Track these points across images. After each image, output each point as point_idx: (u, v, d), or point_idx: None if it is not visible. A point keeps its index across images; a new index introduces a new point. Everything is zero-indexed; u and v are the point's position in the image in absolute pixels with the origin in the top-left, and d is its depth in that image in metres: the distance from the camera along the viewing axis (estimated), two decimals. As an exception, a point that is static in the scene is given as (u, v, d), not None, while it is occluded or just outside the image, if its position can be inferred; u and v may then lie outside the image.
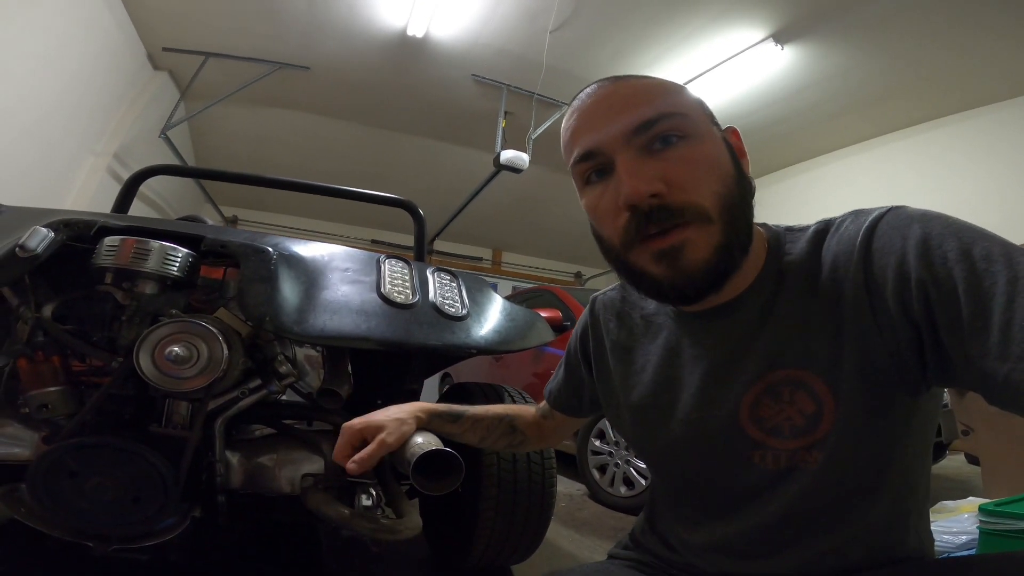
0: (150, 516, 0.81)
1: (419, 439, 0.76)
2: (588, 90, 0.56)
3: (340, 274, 1.07)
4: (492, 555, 1.34)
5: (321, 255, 1.09)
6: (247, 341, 0.90)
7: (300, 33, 4.43)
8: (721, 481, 0.55)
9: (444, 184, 6.44)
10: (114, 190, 2.02)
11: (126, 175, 2.45)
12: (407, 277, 1.15)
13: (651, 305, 0.65)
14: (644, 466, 2.32)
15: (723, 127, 0.57)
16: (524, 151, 4.54)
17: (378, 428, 0.64)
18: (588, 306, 0.74)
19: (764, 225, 0.58)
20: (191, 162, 5.99)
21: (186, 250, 0.92)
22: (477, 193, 5.78)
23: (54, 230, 0.86)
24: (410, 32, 4.25)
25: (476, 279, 1.34)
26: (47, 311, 0.87)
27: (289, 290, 0.93)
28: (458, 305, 1.16)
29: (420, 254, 2.10)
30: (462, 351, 1.09)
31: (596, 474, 2.62)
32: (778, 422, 0.50)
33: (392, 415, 0.67)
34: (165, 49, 4.61)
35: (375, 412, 0.68)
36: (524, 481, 1.28)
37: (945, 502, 1.77)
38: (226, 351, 0.82)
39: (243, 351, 0.89)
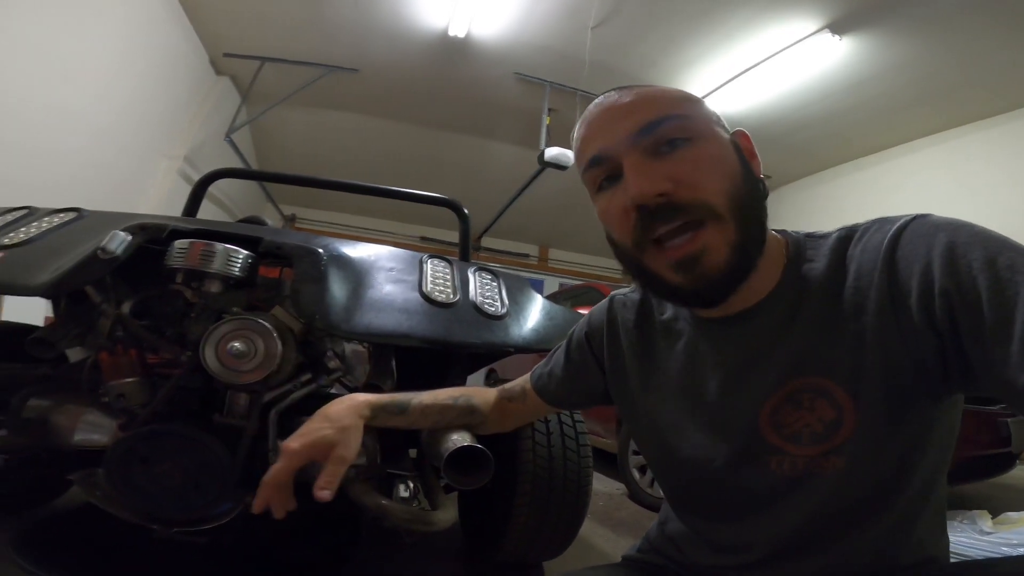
0: (209, 501, 0.86)
1: (454, 435, 0.80)
2: (596, 101, 0.58)
3: (385, 274, 1.12)
4: (524, 550, 1.36)
5: (367, 255, 1.14)
6: (299, 337, 0.96)
7: (348, 36, 4.59)
8: (736, 487, 0.55)
9: (490, 182, 6.51)
10: (185, 191, 2.17)
11: (195, 177, 2.63)
12: (448, 276, 1.19)
13: (670, 310, 0.65)
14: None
15: (732, 130, 0.57)
16: (569, 148, 4.53)
17: (329, 444, 0.63)
18: (606, 303, 0.74)
19: (784, 232, 0.58)
20: (253, 163, 6.30)
21: (246, 252, 0.99)
22: (523, 190, 5.82)
23: (131, 233, 0.94)
24: (452, 32, 4.33)
25: (517, 278, 1.36)
26: (126, 308, 0.96)
27: (338, 289, 0.99)
28: (498, 304, 1.18)
29: (465, 252, 2.14)
30: (500, 349, 1.12)
31: (636, 474, 2.60)
32: (797, 429, 0.51)
33: (337, 421, 0.66)
34: (226, 55, 4.88)
35: (316, 420, 0.66)
36: (559, 478, 1.29)
37: (1008, 513, 1.68)
38: (280, 347, 0.88)
39: (296, 347, 0.95)
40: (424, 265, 1.18)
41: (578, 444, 1.37)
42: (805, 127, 4.97)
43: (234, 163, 5.48)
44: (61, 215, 1.10)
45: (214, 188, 2.22)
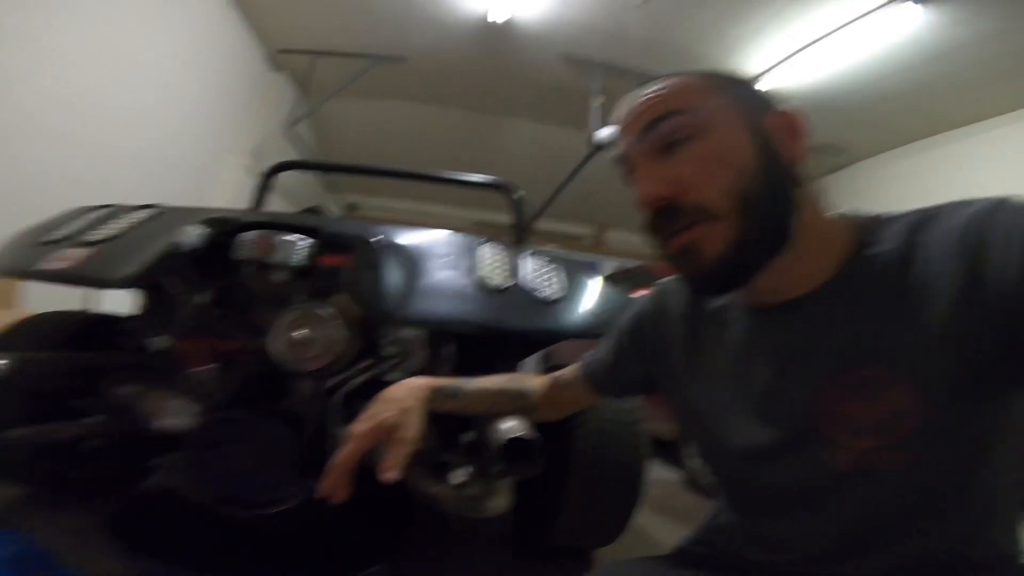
0: (276, 484, 0.91)
1: (507, 423, 0.80)
2: (621, 101, 0.59)
3: (440, 259, 1.12)
4: (575, 537, 1.34)
5: (422, 241, 1.15)
6: (359, 324, 0.99)
7: (393, 26, 4.63)
8: (784, 480, 0.53)
9: (543, 164, 6.43)
10: (253, 183, 2.28)
11: (261, 169, 2.76)
12: (503, 261, 1.19)
13: (721, 299, 0.63)
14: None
15: (776, 107, 0.54)
16: (623, 127, 4.41)
17: (391, 428, 0.64)
18: (654, 292, 0.73)
19: (848, 214, 0.55)
20: (314, 155, 6.53)
21: (308, 241, 1.02)
22: (576, 172, 5.72)
23: (203, 228, 0.99)
24: (491, 18, 4.28)
25: (573, 262, 1.34)
26: (201, 298, 1.01)
27: (394, 276, 1.00)
28: (553, 288, 1.17)
29: (519, 236, 2.14)
30: (555, 335, 1.11)
31: (696, 462, 2.54)
32: (856, 421, 0.47)
33: (399, 403, 0.67)
34: (280, 51, 5.05)
35: (379, 403, 0.68)
36: (614, 464, 1.27)
37: None
38: (341, 334, 0.91)
39: (356, 334, 0.97)
40: (478, 250, 1.18)
41: (634, 430, 1.34)
42: (885, 100, 4.56)
43: (296, 156, 5.70)
44: (141, 212, 1.17)
45: (278, 181, 2.32)
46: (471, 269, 1.11)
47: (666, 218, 0.52)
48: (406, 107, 6.06)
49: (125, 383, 1.02)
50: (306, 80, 5.26)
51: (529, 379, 0.82)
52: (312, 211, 1.94)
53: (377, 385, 1.11)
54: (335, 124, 6.38)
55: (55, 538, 1.14)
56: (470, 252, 1.17)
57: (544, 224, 7.75)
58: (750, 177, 0.50)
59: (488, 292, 1.06)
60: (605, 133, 4.37)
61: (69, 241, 1.08)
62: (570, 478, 1.25)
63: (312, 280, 1.07)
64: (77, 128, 3.11)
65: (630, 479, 1.30)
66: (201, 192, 4.56)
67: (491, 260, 1.17)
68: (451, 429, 1.16)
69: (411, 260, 1.07)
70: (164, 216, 1.16)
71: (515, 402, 0.79)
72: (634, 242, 8.24)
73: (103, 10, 3.13)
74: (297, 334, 0.89)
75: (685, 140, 0.51)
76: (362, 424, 0.65)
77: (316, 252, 1.04)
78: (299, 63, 5.20)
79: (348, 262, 1.07)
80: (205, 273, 1.05)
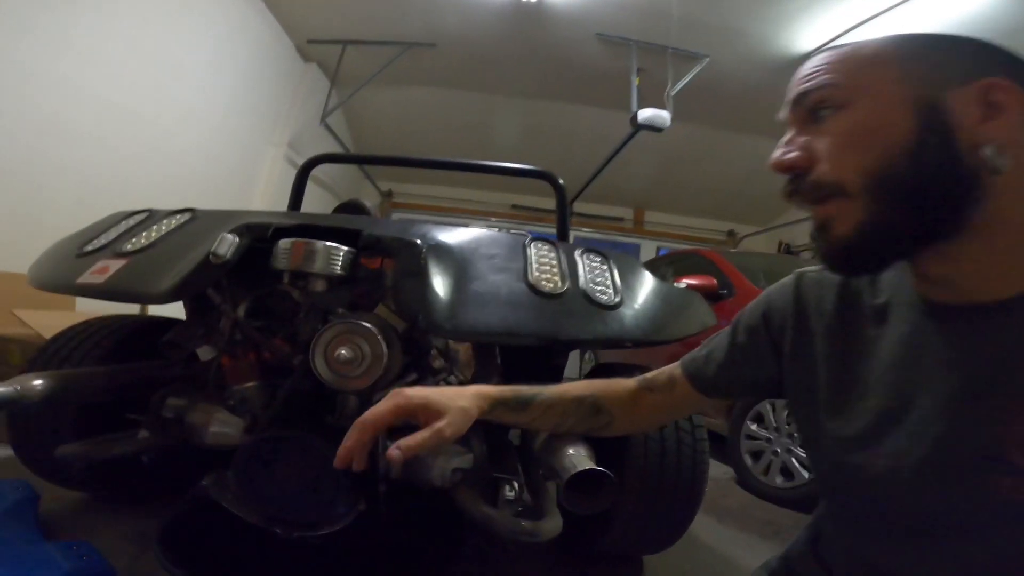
0: (326, 504, 0.87)
1: (570, 449, 0.72)
2: None
3: (487, 263, 1.04)
4: (628, 544, 1.28)
5: (467, 242, 1.07)
6: (403, 336, 0.93)
7: (421, 11, 4.54)
8: (936, 505, 0.45)
9: (581, 146, 6.29)
10: (292, 174, 2.28)
11: (299, 160, 2.74)
12: (554, 262, 1.10)
13: (885, 293, 0.54)
14: (806, 456, 2.11)
15: (979, 79, 0.43)
16: (664, 108, 4.20)
17: (438, 413, 0.58)
18: (792, 281, 0.63)
19: None
20: (349, 143, 6.55)
21: (347, 248, 0.96)
22: (616, 153, 5.54)
23: (239, 235, 0.94)
24: None
25: (627, 259, 1.24)
26: (241, 311, 0.97)
27: (439, 284, 0.94)
28: (610, 291, 1.07)
29: (563, 229, 2.04)
30: (616, 344, 1.02)
31: (748, 459, 2.42)
32: None
33: (456, 400, 0.61)
34: (309, 41, 5.04)
35: (438, 391, 0.62)
36: (672, 474, 1.18)
37: None
38: (385, 350, 0.84)
39: (401, 346, 0.91)
40: (528, 250, 1.09)
41: (694, 438, 1.25)
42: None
43: (332, 145, 5.72)
44: (177, 217, 1.14)
45: (316, 171, 2.31)
46: (521, 272, 1.03)
47: (795, 186, 0.50)
48: (438, 93, 5.99)
49: (173, 396, 0.99)
50: (336, 69, 5.25)
51: (608, 390, 0.71)
52: (352, 205, 1.90)
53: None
54: (368, 113, 6.37)
55: (114, 544, 1.14)
56: (519, 253, 1.09)
57: (582, 207, 7.61)
58: (897, 157, 0.44)
59: (541, 298, 0.98)
60: (645, 114, 4.20)
61: (105, 252, 1.05)
62: (625, 483, 1.17)
63: (353, 287, 1.01)
64: (127, 132, 3.19)
65: (688, 486, 1.21)
66: (244, 185, 4.63)
67: (542, 261, 1.08)
68: (502, 441, 1.10)
69: (456, 264, 0.99)
70: (200, 221, 1.12)
71: (587, 421, 0.70)
72: (674, 224, 8.01)
73: (141, 15, 3.18)
74: (340, 353, 0.83)
75: (831, 111, 0.48)
76: (411, 391, 0.61)
77: (355, 258, 0.98)
78: (328, 53, 5.19)
79: (390, 264, 1.01)
80: (243, 283, 1.01)
